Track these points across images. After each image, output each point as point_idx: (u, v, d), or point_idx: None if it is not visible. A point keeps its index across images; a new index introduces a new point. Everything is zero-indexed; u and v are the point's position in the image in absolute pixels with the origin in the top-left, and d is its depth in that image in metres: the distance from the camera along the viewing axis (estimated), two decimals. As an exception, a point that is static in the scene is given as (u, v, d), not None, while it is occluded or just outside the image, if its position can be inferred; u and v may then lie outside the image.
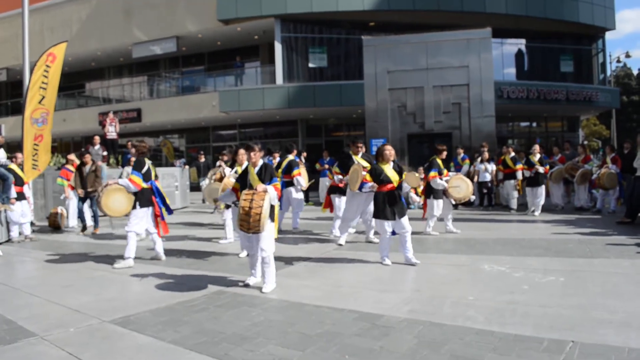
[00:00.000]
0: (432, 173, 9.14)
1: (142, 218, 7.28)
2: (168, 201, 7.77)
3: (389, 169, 6.91)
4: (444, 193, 9.28)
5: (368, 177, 6.95)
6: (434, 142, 16.87)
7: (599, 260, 6.60)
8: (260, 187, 5.51)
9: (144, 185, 7.22)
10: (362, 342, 3.90)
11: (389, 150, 7.00)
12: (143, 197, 7.27)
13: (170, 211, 7.70)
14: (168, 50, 25.14)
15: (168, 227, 7.85)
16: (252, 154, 5.80)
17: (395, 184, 6.84)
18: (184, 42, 25.03)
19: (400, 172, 6.98)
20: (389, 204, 6.76)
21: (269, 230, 5.60)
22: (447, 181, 9.18)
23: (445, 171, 9.40)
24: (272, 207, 5.65)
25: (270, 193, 5.50)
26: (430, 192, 9.31)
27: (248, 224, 5.29)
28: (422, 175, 14.66)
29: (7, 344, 4.11)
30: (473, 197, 9.62)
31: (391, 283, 5.86)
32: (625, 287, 5.27)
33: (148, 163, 7.38)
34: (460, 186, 9.22)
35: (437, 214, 9.32)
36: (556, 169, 12.84)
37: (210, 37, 24.80)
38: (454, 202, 9.62)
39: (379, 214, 6.85)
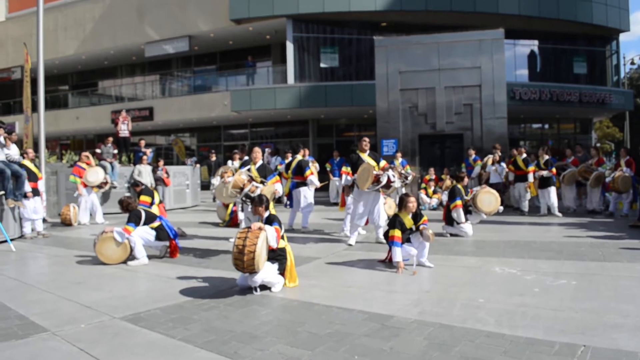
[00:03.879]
0: (458, 202, 9.11)
1: (147, 237, 7.43)
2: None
3: (408, 219, 6.82)
4: (470, 211, 9.27)
5: (398, 234, 6.59)
6: (445, 143, 16.90)
7: (611, 264, 6.54)
8: (255, 225, 5.44)
9: (155, 224, 7.50)
10: (372, 343, 3.90)
11: (412, 203, 6.82)
12: (162, 233, 7.52)
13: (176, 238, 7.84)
14: (180, 49, 25.27)
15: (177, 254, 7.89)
16: (257, 208, 5.85)
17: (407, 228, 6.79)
18: (196, 41, 25.13)
19: (415, 217, 6.86)
20: (407, 241, 6.74)
21: (267, 267, 5.46)
22: (474, 197, 9.19)
23: (460, 201, 9.37)
24: (281, 255, 5.62)
25: (267, 231, 5.40)
26: (451, 220, 9.28)
27: (243, 263, 5.15)
28: (433, 177, 14.70)
29: (19, 339, 4.15)
30: (501, 209, 9.59)
31: (401, 284, 5.84)
32: (638, 291, 5.20)
33: (143, 211, 7.54)
34: (490, 200, 9.23)
35: (471, 233, 9.23)
36: (569, 171, 12.73)
37: (222, 36, 24.88)
38: (485, 217, 9.55)
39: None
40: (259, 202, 5.87)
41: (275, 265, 5.59)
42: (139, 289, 5.98)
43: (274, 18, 22.25)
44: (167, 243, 7.63)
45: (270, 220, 5.68)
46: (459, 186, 9.41)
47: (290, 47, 22.42)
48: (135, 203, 7.74)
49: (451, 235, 9.25)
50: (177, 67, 29.07)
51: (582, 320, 4.28)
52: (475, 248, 8.03)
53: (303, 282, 5.95)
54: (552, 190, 11.86)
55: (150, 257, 7.43)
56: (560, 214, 11.75)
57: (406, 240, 6.73)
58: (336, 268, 6.80)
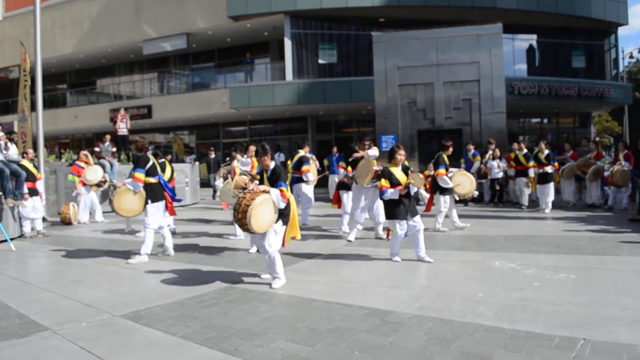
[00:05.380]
0: (441, 170, 9.10)
1: (158, 212, 7.35)
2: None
3: (398, 172, 6.85)
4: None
5: (385, 183, 6.73)
6: (444, 138, 16.87)
7: (610, 258, 6.55)
8: (259, 187, 5.56)
9: (151, 180, 7.28)
10: (372, 338, 3.91)
11: (401, 155, 6.90)
12: (153, 192, 7.32)
13: (177, 200, 7.81)
14: (178, 47, 25.21)
15: (175, 211, 7.97)
16: (261, 158, 5.79)
17: (404, 185, 6.78)
18: (194, 38, 25.08)
19: (406, 173, 6.94)
20: (401, 204, 6.71)
21: (275, 230, 5.59)
22: (450, 177, 9.17)
23: (443, 170, 9.35)
24: (285, 210, 5.65)
25: (271, 194, 5.48)
26: (437, 187, 9.28)
27: (238, 214, 5.38)
28: (432, 172, 14.69)
29: (20, 338, 4.16)
30: (476, 193, 9.60)
31: (401, 279, 5.85)
32: (637, 284, 5.22)
33: (152, 158, 7.42)
34: (464, 182, 9.22)
35: (445, 210, 9.29)
36: (568, 165, 12.74)
37: (220, 33, 24.83)
38: (457, 198, 9.58)
39: (391, 215, 6.79)
40: (262, 151, 5.81)
41: (280, 223, 5.65)
42: (139, 286, 5.98)
43: (271, 15, 22.19)
44: (169, 248, 7.64)
45: (277, 176, 5.69)
46: (444, 155, 9.32)
47: (288, 44, 22.37)
48: (146, 144, 7.50)
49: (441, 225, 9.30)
50: (175, 65, 29.02)
51: (581, 314, 4.29)
52: (474, 243, 8.04)
53: (303, 278, 5.97)
54: (551, 186, 11.84)
55: (150, 254, 7.43)
56: (548, 211, 11.71)
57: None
58: (336, 264, 6.81)
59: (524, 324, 4.08)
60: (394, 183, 6.75)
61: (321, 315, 4.53)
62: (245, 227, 5.37)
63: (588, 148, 13.69)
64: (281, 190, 5.52)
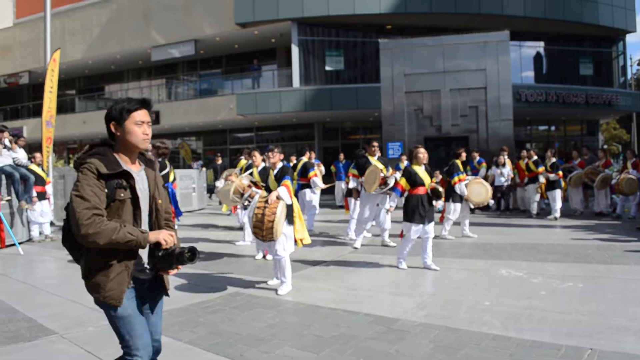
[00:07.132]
0: (461, 176, 9.07)
1: None
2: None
3: (421, 172, 6.84)
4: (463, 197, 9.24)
5: (403, 183, 6.81)
6: (450, 145, 16.86)
7: (618, 267, 6.51)
8: (273, 195, 5.56)
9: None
10: (378, 346, 3.90)
11: (423, 154, 6.90)
12: None
13: (180, 213, 7.75)
14: (186, 53, 25.34)
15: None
16: (270, 154, 5.91)
17: (427, 187, 6.78)
18: (202, 45, 25.21)
19: (431, 175, 6.96)
20: (422, 207, 6.68)
21: (285, 233, 5.62)
22: (465, 185, 9.15)
23: (463, 175, 9.35)
24: (289, 207, 5.68)
25: (282, 196, 5.54)
26: (449, 195, 9.26)
27: (262, 232, 5.38)
28: (439, 179, 14.66)
29: (27, 342, 4.19)
30: (492, 202, 9.55)
31: (407, 287, 5.85)
32: (646, 293, 5.19)
33: (169, 165, 7.45)
34: (480, 191, 9.18)
35: (453, 218, 9.27)
36: (575, 173, 12.68)
37: (228, 40, 24.95)
38: (472, 207, 9.55)
39: (409, 217, 6.74)
40: (279, 150, 5.97)
41: (291, 227, 5.74)
42: (146, 292, 5.99)
43: (279, 22, 22.29)
44: None
45: (283, 173, 5.80)
46: (458, 162, 9.30)
47: (295, 51, 22.46)
48: (168, 151, 7.64)
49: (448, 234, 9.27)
50: (183, 71, 29.17)
51: (588, 323, 4.27)
52: (481, 251, 8.01)
53: (309, 284, 5.97)
54: (558, 192, 11.80)
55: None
56: (557, 215, 11.66)
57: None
58: (342, 271, 6.81)
59: (530, 333, 4.07)
60: (418, 182, 6.74)
61: (327, 322, 4.53)
62: (269, 237, 5.41)
63: (591, 157, 13.63)
64: (286, 185, 5.66)
